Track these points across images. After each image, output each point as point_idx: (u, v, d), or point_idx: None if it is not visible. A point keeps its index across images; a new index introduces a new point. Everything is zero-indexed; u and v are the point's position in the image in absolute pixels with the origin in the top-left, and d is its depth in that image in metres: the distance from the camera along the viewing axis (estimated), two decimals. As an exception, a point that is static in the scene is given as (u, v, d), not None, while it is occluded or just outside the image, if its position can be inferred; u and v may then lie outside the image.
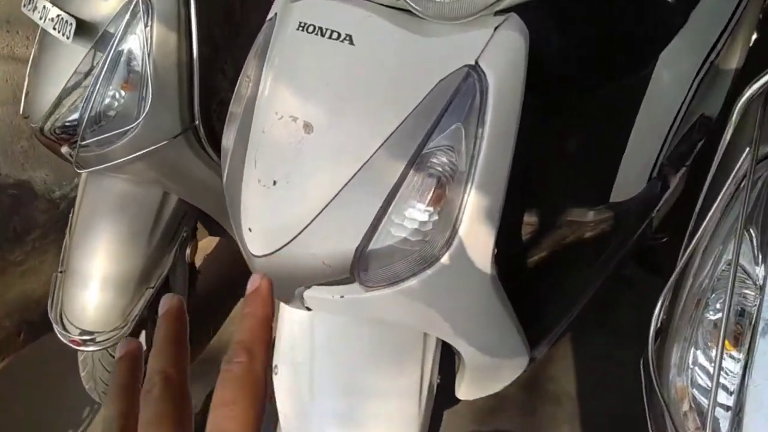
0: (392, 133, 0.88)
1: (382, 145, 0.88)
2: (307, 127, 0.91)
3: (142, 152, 1.36)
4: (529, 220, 1.57)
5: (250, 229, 0.96)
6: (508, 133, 0.89)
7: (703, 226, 0.68)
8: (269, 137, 0.95)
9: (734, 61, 1.54)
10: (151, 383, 0.36)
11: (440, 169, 0.88)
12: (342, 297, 0.98)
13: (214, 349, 1.97)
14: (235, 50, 1.90)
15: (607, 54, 1.36)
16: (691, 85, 1.42)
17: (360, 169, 0.89)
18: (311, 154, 0.91)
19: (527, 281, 1.35)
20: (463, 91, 0.86)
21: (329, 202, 0.90)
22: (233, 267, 2.07)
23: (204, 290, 1.95)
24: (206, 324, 2.02)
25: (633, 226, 1.56)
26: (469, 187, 0.88)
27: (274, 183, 0.93)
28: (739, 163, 0.65)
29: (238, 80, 1.11)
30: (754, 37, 1.60)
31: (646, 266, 1.70)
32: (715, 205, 0.67)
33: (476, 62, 0.86)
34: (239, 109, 1.08)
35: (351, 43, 0.89)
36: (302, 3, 0.97)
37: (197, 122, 1.42)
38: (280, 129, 0.94)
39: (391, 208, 0.89)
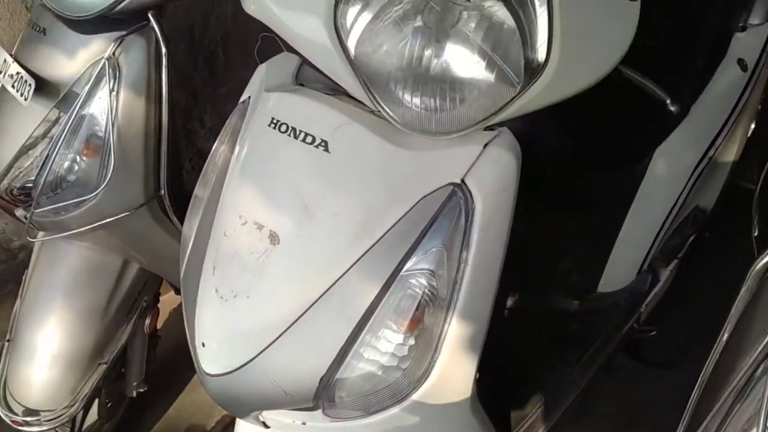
0: (366, 251, 0.79)
1: (354, 263, 0.79)
2: (273, 237, 0.82)
3: (100, 223, 1.26)
4: (512, 306, 1.48)
5: (203, 344, 0.86)
6: (495, 257, 0.80)
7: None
8: (231, 243, 0.86)
9: (732, 152, 1.49)
10: None
11: (419, 291, 0.79)
12: (304, 423, 0.88)
13: (173, 417, 1.85)
14: (217, 99, 1.82)
15: (602, 148, 1.29)
16: (689, 180, 1.36)
17: (329, 288, 0.80)
18: (276, 269, 0.82)
19: (509, 384, 1.26)
20: (447, 211, 0.78)
21: (292, 324, 0.80)
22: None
23: (167, 351, 1.83)
24: (167, 389, 1.89)
25: (621, 319, 1.48)
26: (450, 314, 0.79)
27: (234, 296, 0.83)
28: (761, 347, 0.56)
29: (208, 159, 1.02)
30: (752, 126, 1.55)
31: (635, 358, 1.62)
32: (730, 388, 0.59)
33: (462, 181, 0.78)
34: (203, 196, 0.99)
35: (326, 149, 0.80)
36: (277, 95, 0.89)
37: (163, 192, 1.32)
38: (243, 236, 0.84)
39: (362, 334, 0.79)
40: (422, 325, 0.79)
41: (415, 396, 0.82)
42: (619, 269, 1.45)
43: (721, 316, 0.69)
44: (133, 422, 1.79)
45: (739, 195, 1.54)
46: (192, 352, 0.91)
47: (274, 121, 0.86)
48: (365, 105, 0.84)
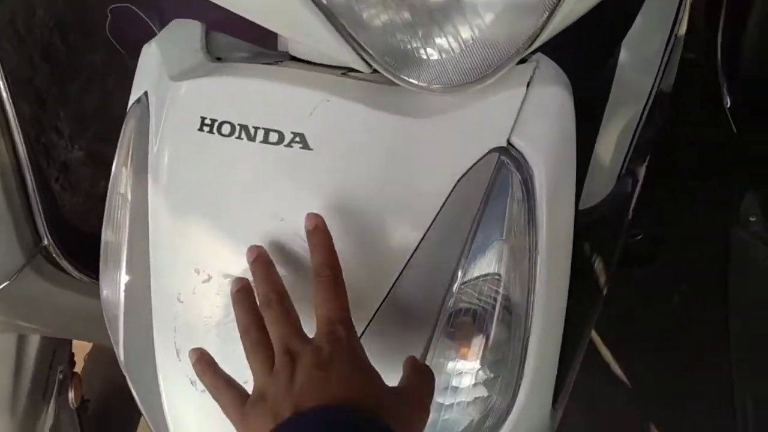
0: (398, 278, 0.55)
1: (384, 300, 0.55)
2: (260, 292, 0.55)
3: (-29, 306, 0.92)
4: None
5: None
6: (567, 232, 0.59)
7: None
8: (193, 311, 0.59)
9: (684, 25, 1.34)
10: (267, 299, 0.50)
11: (484, 304, 0.56)
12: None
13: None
14: (69, 98, 1.44)
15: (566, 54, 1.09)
16: (659, 67, 1.19)
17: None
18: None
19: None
20: (498, 189, 0.55)
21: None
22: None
23: (97, 409, 1.51)
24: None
25: (612, 235, 1.34)
26: (529, 323, 0.58)
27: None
28: None
29: (109, 190, 0.72)
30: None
31: (634, 264, 1.50)
32: None
33: (508, 141, 0.54)
34: (118, 241, 0.69)
35: (304, 146, 0.54)
36: (196, 83, 0.60)
37: (45, 242, 0.99)
38: (211, 298, 0.57)
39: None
40: (497, 346, 0.57)
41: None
42: (599, 178, 1.29)
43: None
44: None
45: (695, 68, 1.41)
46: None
47: (206, 122, 0.58)
48: (338, 68, 0.58)
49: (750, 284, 1.25)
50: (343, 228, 0.54)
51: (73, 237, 1.05)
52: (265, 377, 0.46)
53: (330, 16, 0.48)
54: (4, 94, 0.89)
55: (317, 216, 0.52)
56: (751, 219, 1.28)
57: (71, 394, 1.22)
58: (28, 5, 1.33)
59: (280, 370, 0.45)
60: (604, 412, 1.34)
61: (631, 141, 1.25)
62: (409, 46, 0.49)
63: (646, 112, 1.24)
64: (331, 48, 0.51)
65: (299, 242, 0.55)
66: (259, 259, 0.52)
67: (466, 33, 0.50)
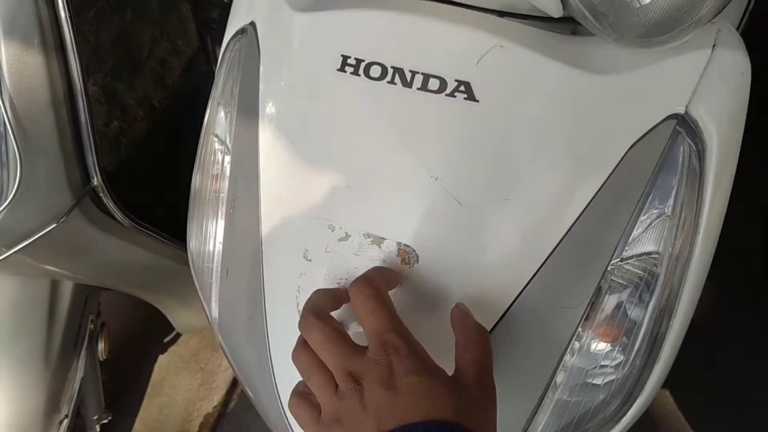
0: (558, 245, 0.51)
1: (541, 267, 0.51)
2: (407, 255, 0.51)
3: (15, 250, 0.85)
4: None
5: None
6: (722, 214, 0.55)
7: None
8: (326, 271, 0.54)
9: None
10: (307, 323, 0.46)
11: (637, 283, 0.53)
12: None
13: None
14: (84, 29, 1.35)
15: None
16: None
17: (506, 312, 0.52)
18: (419, 301, 0.51)
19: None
20: (670, 160, 0.51)
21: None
22: (141, 322, 1.59)
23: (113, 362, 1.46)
24: (125, 405, 1.54)
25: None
26: (677, 306, 0.54)
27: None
28: None
29: (200, 140, 0.66)
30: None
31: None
32: None
33: (686, 110, 0.50)
34: (216, 191, 0.64)
35: (470, 97, 0.49)
36: (335, 16, 0.54)
37: (95, 182, 0.92)
38: (346, 258, 0.53)
39: (567, 359, 0.53)
40: (646, 328, 0.54)
41: (625, 420, 0.58)
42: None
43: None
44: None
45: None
46: (272, 419, 0.60)
47: (350, 61, 0.52)
48: (491, 11, 0.52)
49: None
50: (506, 190, 0.50)
51: (122, 180, 0.99)
52: (332, 401, 0.43)
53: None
54: (65, 25, 0.81)
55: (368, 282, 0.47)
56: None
57: (100, 346, 1.16)
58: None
59: (347, 394, 0.42)
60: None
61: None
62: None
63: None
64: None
65: (454, 205, 0.50)
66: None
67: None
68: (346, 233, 0.52)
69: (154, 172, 1.29)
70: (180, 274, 1.13)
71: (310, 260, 0.54)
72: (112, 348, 1.34)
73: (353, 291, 0.46)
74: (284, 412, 0.58)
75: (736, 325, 1.38)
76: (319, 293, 0.49)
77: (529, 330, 0.52)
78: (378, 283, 0.47)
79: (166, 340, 1.62)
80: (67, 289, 1.06)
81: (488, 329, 0.52)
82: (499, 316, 0.51)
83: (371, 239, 0.51)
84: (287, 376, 0.57)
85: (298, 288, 0.55)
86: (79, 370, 1.09)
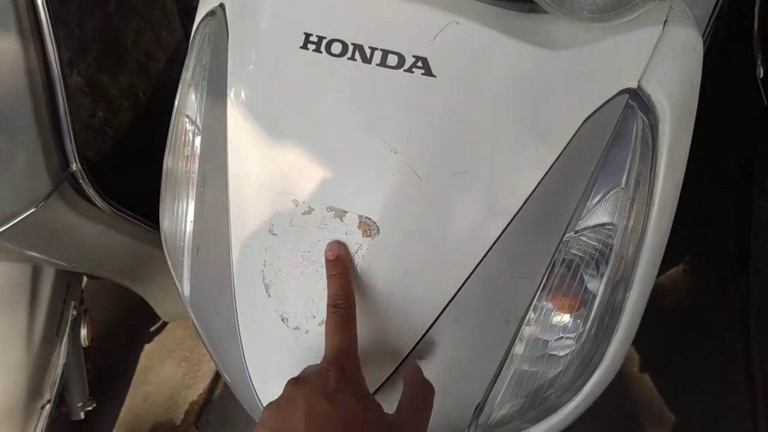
0: (514, 217, 0.52)
1: (498, 239, 0.52)
2: (367, 226, 0.52)
3: (-6, 233, 0.86)
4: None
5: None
6: (678, 185, 0.57)
7: None
8: (288, 245, 0.55)
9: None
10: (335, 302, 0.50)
11: (592, 254, 0.54)
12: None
13: (129, 422, 1.52)
14: (67, 19, 1.35)
15: None
16: (706, 28, 1.17)
17: (463, 284, 0.53)
18: (380, 274, 0.53)
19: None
20: (623, 133, 0.52)
21: (414, 347, 0.53)
22: (127, 311, 1.60)
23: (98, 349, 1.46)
24: (111, 393, 1.55)
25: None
26: (633, 277, 0.55)
27: (320, 323, 0.54)
28: None
29: (171, 122, 0.67)
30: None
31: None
32: None
33: (639, 84, 0.51)
34: (187, 171, 0.65)
35: (427, 72, 0.50)
36: (297, -5, 0.55)
37: (74, 167, 0.93)
38: (310, 231, 0.54)
39: (522, 331, 0.54)
40: (600, 298, 0.55)
41: (585, 390, 0.60)
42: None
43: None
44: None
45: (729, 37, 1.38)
46: (245, 401, 0.62)
47: (312, 39, 0.53)
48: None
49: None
50: (463, 163, 0.51)
51: (98, 164, 1.00)
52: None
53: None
54: (42, 10, 0.82)
55: (340, 245, 0.53)
56: (777, 191, 1.28)
57: (83, 332, 1.17)
58: None
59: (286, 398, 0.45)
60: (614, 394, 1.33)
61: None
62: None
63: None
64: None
65: (413, 178, 0.51)
66: (339, 261, 0.52)
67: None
68: (310, 207, 0.53)
69: (140, 161, 1.30)
70: (160, 260, 1.14)
71: (275, 234, 0.55)
72: (97, 337, 1.35)
73: (331, 306, 0.50)
74: (251, 382, 0.59)
75: (715, 311, 1.40)
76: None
77: (487, 300, 0.53)
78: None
79: (151, 329, 1.63)
80: (49, 275, 1.07)
81: (448, 299, 0.53)
82: (458, 286, 0.53)
83: (333, 212, 0.53)
84: (254, 347, 0.58)
85: (263, 262, 0.56)
86: (62, 355, 1.10)
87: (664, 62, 0.51)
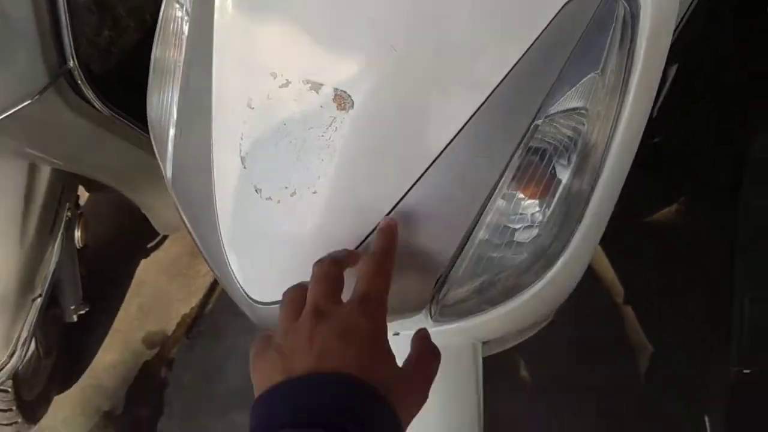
0: (489, 96, 0.53)
1: (471, 117, 0.53)
2: (343, 99, 0.53)
3: (-9, 122, 0.88)
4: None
5: (245, 264, 0.59)
6: (657, 76, 0.57)
7: None
8: (266, 117, 0.56)
9: None
10: (322, 260, 0.48)
11: (564, 139, 0.55)
12: (396, 334, 0.66)
13: (122, 331, 1.57)
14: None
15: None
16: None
17: (435, 160, 0.54)
18: (354, 146, 0.54)
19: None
20: (602, 19, 0.53)
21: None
22: (126, 224, 1.62)
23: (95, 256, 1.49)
24: (105, 301, 1.59)
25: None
26: (604, 165, 0.56)
27: (292, 193, 0.55)
28: None
29: (161, 11, 0.68)
30: None
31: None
32: None
33: (620, -32, 0.51)
34: (175, 57, 0.66)
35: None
36: None
37: (71, 64, 0.94)
38: (287, 103, 0.55)
39: (487, 212, 0.56)
40: (566, 185, 0.56)
41: (547, 278, 0.61)
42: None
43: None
44: (77, 346, 1.50)
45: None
46: (221, 276, 0.64)
47: None
48: None
49: (764, 193, 1.26)
50: (439, 40, 0.52)
51: (98, 66, 1.00)
52: (286, 324, 0.45)
53: None
54: None
55: (393, 220, 0.53)
56: (771, 133, 1.28)
57: (77, 234, 1.20)
58: None
59: (303, 324, 0.44)
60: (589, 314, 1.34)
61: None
62: None
63: (689, 12, 1.20)
64: None
65: (389, 51, 0.52)
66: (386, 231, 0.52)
67: None
68: (287, 80, 0.54)
69: (142, 79, 1.31)
70: (158, 169, 1.16)
71: (253, 108, 0.56)
72: (94, 246, 1.38)
73: (372, 252, 0.49)
74: (225, 253, 0.61)
75: (705, 248, 1.40)
76: (345, 252, 0.51)
77: (455, 179, 0.54)
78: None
79: (149, 245, 1.66)
80: (45, 174, 1.09)
81: (418, 175, 0.54)
82: (429, 163, 0.54)
83: (309, 85, 0.54)
84: (229, 219, 0.60)
85: (241, 135, 0.57)
86: (55, 253, 1.13)
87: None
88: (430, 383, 0.47)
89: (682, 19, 1.20)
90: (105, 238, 1.61)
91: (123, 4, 1.45)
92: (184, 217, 0.67)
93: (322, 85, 0.53)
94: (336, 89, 0.53)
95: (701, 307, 1.31)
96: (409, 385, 0.45)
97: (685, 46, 1.30)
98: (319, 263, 0.48)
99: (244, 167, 0.57)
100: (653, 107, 1.20)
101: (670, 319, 1.33)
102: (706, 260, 1.37)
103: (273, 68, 0.55)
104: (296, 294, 0.47)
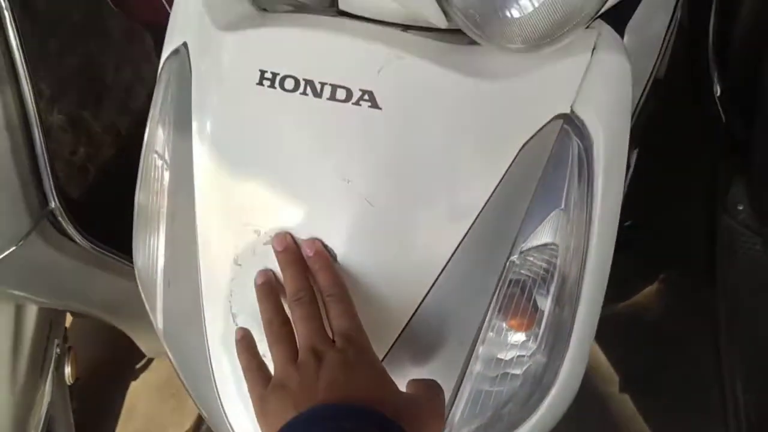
0: (462, 240, 0.56)
1: (447, 263, 0.56)
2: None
3: (-26, 273, 0.89)
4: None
5: (249, 420, 0.59)
6: (618, 202, 0.60)
7: None
8: (253, 272, 0.58)
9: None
10: (297, 295, 0.52)
11: (540, 273, 0.57)
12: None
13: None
14: (48, 57, 1.38)
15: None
16: (659, 51, 1.22)
17: (417, 308, 0.56)
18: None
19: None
20: (559, 157, 0.56)
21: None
22: (112, 348, 1.60)
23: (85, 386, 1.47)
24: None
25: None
26: (580, 293, 0.59)
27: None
28: None
29: (141, 158, 0.71)
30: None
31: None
32: None
33: (572, 109, 0.55)
34: (157, 205, 0.68)
35: (373, 105, 0.54)
36: (252, 34, 0.59)
37: (53, 205, 0.96)
38: (272, 259, 0.57)
39: (477, 350, 0.57)
40: (549, 314, 0.58)
41: (543, 407, 0.62)
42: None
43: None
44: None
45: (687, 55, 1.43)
46: (216, 425, 0.64)
47: (267, 75, 0.57)
48: (393, 24, 0.58)
49: (739, 271, 1.29)
50: (412, 191, 0.55)
51: (79, 202, 1.03)
52: (287, 368, 0.48)
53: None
54: (13, 39, 0.85)
55: (315, 241, 0.55)
56: (739, 207, 1.31)
57: (68, 370, 1.19)
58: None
59: (305, 364, 0.47)
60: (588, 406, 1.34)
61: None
62: (492, 4, 0.49)
63: (644, 98, 1.27)
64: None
65: (366, 206, 0.54)
66: (289, 249, 0.54)
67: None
68: (270, 237, 0.56)
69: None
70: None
71: (240, 265, 0.58)
72: (82, 375, 1.36)
73: (326, 294, 0.52)
74: (223, 410, 0.61)
75: (689, 327, 1.42)
76: (306, 275, 0.54)
77: (441, 322, 0.56)
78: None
79: (137, 366, 1.64)
80: (31, 313, 1.09)
81: (404, 323, 0.56)
82: (414, 309, 0.56)
83: (291, 240, 0.56)
84: (225, 375, 0.61)
85: (230, 292, 0.59)
86: (47, 394, 1.11)
87: (594, 87, 0.55)
88: (442, 407, 0.50)
89: (637, 106, 1.27)
90: (93, 365, 1.58)
91: (97, 121, 1.49)
92: (177, 369, 0.68)
93: (305, 240, 0.56)
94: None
95: (696, 388, 1.31)
96: (419, 406, 0.47)
97: (645, 129, 1.36)
98: (299, 304, 0.51)
99: (236, 324, 0.59)
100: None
101: (668, 404, 1.33)
102: (692, 338, 1.38)
103: (256, 225, 0.57)
104: (282, 328, 0.51)
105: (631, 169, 1.38)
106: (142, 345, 1.33)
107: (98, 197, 1.19)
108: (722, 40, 1.34)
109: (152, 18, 1.22)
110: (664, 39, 1.20)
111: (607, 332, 1.34)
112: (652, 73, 1.23)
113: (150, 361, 1.63)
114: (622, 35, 1.13)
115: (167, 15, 1.22)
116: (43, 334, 1.11)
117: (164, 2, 1.18)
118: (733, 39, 1.35)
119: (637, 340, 1.45)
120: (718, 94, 1.36)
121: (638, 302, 1.53)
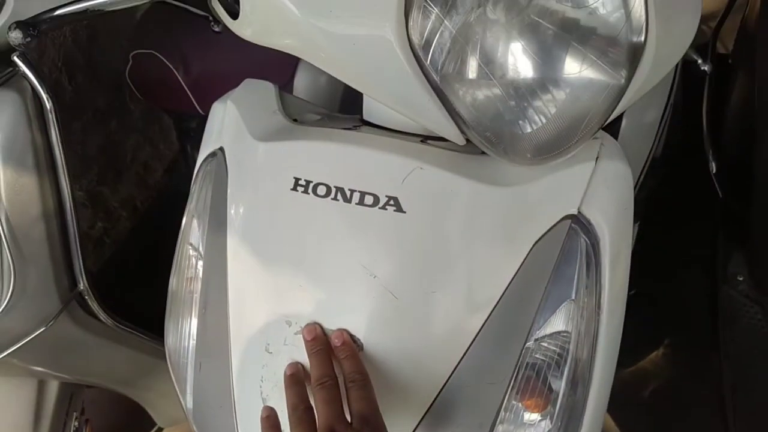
0: (480, 330, 0.60)
1: (467, 351, 0.60)
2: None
3: (5, 354, 0.92)
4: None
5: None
6: (624, 294, 0.65)
7: None
8: (285, 362, 0.62)
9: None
10: (322, 380, 0.57)
11: (554, 358, 0.61)
12: None
13: None
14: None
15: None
16: (657, 133, 1.29)
17: (439, 393, 0.60)
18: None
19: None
20: (569, 253, 0.61)
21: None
22: (128, 420, 1.62)
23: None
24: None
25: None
26: (592, 376, 0.63)
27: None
28: None
29: (177, 247, 0.76)
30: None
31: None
32: None
33: (579, 210, 0.60)
34: (190, 293, 0.72)
35: (398, 209, 0.59)
36: (287, 145, 0.65)
37: (81, 287, 1.00)
38: (302, 349, 0.61)
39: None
40: (562, 397, 0.62)
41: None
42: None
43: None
44: None
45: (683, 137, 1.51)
46: None
47: (301, 182, 0.62)
48: (414, 135, 0.64)
49: (741, 340, 1.32)
50: (433, 284, 0.59)
51: (101, 278, 1.07)
52: None
53: (440, 93, 0.54)
54: (54, 138, 0.91)
55: (342, 332, 0.60)
56: (739, 278, 1.36)
57: (85, 441, 1.21)
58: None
59: None
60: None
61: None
62: (504, 123, 0.55)
63: (643, 175, 1.33)
64: (433, 121, 0.56)
65: (391, 298, 0.59)
66: (318, 339, 0.60)
67: (552, 109, 0.56)
68: (301, 327, 0.61)
69: (136, 269, 1.37)
70: (159, 369, 1.20)
71: (271, 353, 0.62)
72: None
73: (348, 380, 0.57)
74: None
75: (695, 393, 1.44)
76: (331, 363, 0.59)
77: (462, 405, 0.60)
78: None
79: (150, 435, 1.64)
80: (53, 388, 1.12)
81: (426, 406, 0.60)
82: (436, 393, 0.60)
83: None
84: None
85: (261, 378, 0.63)
86: (64, 467, 1.13)
87: (599, 191, 0.61)
88: None
89: (637, 183, 1.33)
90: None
91: (114, 196, 1.55)
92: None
93: (333, 330, 0.60)
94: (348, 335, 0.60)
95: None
96: None
97: (645, 204, 1.42)
98: (322, 388, 0.56)
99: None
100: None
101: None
102: (698, 403, 1.41)
103: (287, 316, 0.62)
104: (306, 413, 0.55)
105: (633, 241, 1.42)
106: (157, 415, 1.35)
107: (115, 268, 1.23)
108: (716, 120, 1.42)
109: (175, 105, 1.29)
110: (661, 122, 1.28)
111: (614, 397, 1.37)
112: (650, 153, 1.30)
113: (160, 430, 1.64)
114: (620, 119, 1.21)
115: (188, 101, 1.30)
116: (63, 408, 1.13)
117: (186, 90, 1.26)
118: (726, 120, 1.43)
119: (643, 406, 1.48)
120: (714, 171, 1.42)
121: (644, 368, 1.56)
